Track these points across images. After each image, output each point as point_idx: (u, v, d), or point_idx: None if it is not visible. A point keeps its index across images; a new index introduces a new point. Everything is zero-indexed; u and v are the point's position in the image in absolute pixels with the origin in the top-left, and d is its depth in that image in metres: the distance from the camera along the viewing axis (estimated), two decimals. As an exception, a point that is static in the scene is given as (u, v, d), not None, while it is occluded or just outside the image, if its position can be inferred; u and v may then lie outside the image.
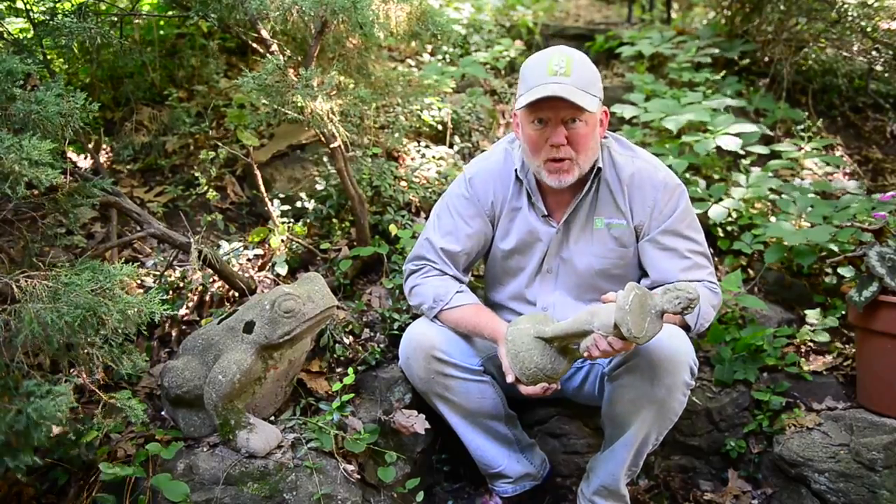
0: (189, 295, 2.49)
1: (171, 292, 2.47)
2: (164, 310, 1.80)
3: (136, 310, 1.72)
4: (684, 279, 1.95)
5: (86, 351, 1.70)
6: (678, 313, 1.62)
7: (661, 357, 1.83)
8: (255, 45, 2.58)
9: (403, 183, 3.01)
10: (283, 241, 2.65)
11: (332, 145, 2.45)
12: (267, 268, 2.65)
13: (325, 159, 2.97)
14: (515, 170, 2.06)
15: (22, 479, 1.82)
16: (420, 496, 2.10)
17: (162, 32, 3.44)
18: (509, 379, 1.88)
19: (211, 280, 2.49)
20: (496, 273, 2.19)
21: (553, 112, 1.86)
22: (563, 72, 1.84)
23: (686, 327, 1.93)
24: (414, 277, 2.14)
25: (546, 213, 2.06)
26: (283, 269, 2.59)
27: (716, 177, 3.23)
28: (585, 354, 1.75)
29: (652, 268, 2.02)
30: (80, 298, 1.61)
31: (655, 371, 1.83)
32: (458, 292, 2.06)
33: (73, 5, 2.44)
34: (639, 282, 2.07)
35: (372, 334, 2.46)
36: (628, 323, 1.59)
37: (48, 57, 2.42)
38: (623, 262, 2.05)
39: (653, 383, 1.84)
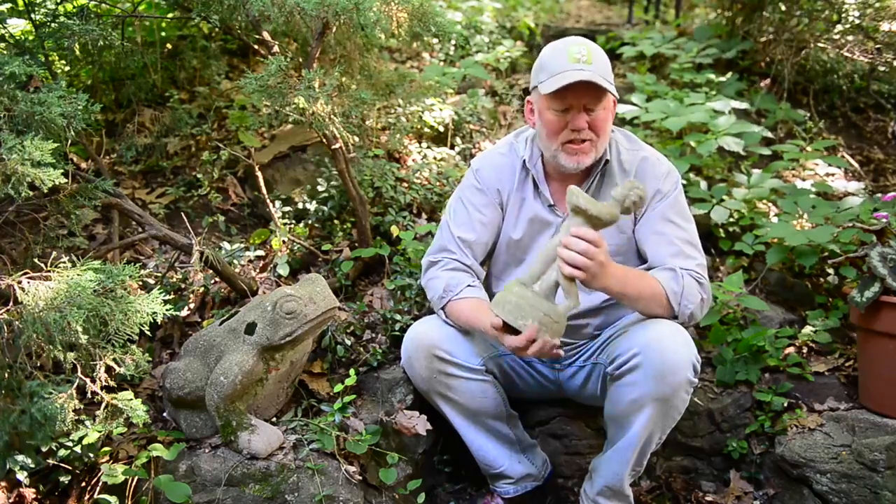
0: (190, 296, 2.50)
1: (172, 294, 2.47)
2: (167, 310, 1.81)
3: (138, 311, 1.72)
4: (675, 266, 1.94)
5: (88, 352, 1.71)
6: (627, 198, 1.67)
7: (664, 355, 1.83)
8: (256, 46, 2.58)
9: (405, 184, 3.01)
10: (284, 242, 2.65)
11: (333, 147, 2.45)
12: (268, 269, 2.65)
13: (326, 161, 2.98)
14: (524, 160, 2.09)
15: (24, 481, 1.82)
16: (422, 497, 2.10)
17: (163, 34, 3.44)
18: (494, 322, 1.79)
19: (212, 281, 2.49)
20: (500, 265, 2.19)
21: (576, 99, 1.90)
22: (585, 59, 1.89)
23: (674, 317, 1.93)
24: (432, 270, 2.14)
25: (552, 203, 2.07)
26: (284, 271, 2.59)
27: (717, 177, 3.23)
28: (560, 266, 1.70)
29: (645, 252, 2.04)
30: (82, 299, 1.61)
31: (659, 370, 1.83)
32: (468, 285, 2.07)
33: (74, 7, 2.44)
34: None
35: (373, 335, 2.46)
36: (578, 197, 1.66)
37: (50, 59, 2.42)
38: (623, 250, 2.06)
39: (656, 382, 1.84)
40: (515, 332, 1.75)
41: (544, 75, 1.93)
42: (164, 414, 2.15)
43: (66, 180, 1.89)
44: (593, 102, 1.91)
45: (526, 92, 3.80)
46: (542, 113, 1.98)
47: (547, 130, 1.98)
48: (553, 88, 1.88)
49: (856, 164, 3.53)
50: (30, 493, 1.84)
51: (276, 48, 2.40)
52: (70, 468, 1.88)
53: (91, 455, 1.89)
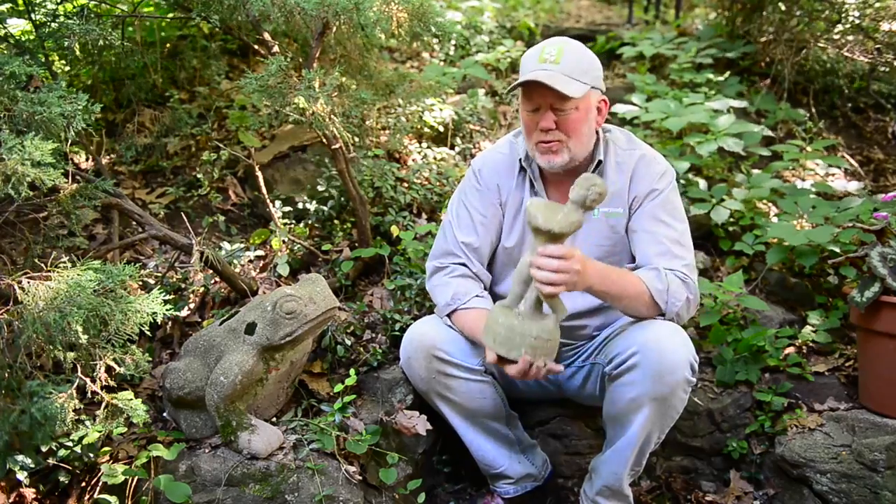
0: (191, 296, 2.50)
1: (172, 294, 2.47)
2: (167, 310, 1.81)
3: (138, 311, 1.72)
4: (659, 266, 1.94)
5: (88, 352, 1.71)
6: (587, 198, 1.63)
7: (661, 355, 1.83)
8: (256, 46, 2.58)
9: (405, 184, 3.01)
10: (284, 242, 2.65)
11: (333, 147, 2.45)
12: (268, 269, 2.65)
13: (326, 161, 2.98)
14: (520, 159, 2.10)
15: (24, 481, 1.82)
16: (421, 497, 2.10)
17: (163, 34, 3.44)
18: (490, 357, 1.81)
19: (212, 281, 2.49)
20: (498, 267, 2.20)
21: (542, 98, 1.92)
22: (553, 59, 1.90)
23: (661, 315, 1.93)
24: (438, 276, 2.14)
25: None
26: (284, 271, 2.59)
27: (717, 177, 3.23)
28: (539, 287, 1.69)
29: (634, 251, 2.04)
30: (82, 299, 1.61)
31: (656, 369, 1.83)
32: (476, 295, 2.07)
33: (74, 7, 2.44)
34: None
35: (373, 335, 2.46)
36: (535, 215, 1.64)
37: (50, 59, 2.42)
38: (617, 249, 2.07)
39: (654, 381, 1.84)
40: (512, 361, 1.78)
41: (519, 76, 1.97)
42: (164, 414, 2.15)
43: (66, 180, 1.89)
44: (560, 103, 1.90)
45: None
46: (521, 113, 2.03)
47: (524, 131, 2.02)
48: (512, 87, 1.95)
49: (856, 164, 3.53)
50: (30, 493, 1.85)
51: (276, 48, 2.40)
52: (70, 468, 1.88)
53: (91, 455, 1.89)
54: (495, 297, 2.19)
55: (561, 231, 1.64)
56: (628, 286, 1.88)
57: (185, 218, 2.62)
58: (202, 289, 2.50)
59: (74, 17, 2.32)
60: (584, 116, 1.95)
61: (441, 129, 3.36)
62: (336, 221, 2.87)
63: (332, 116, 2.24)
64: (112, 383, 1.76)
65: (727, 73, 3.82)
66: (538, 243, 1.68)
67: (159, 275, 2.49)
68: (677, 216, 2.03)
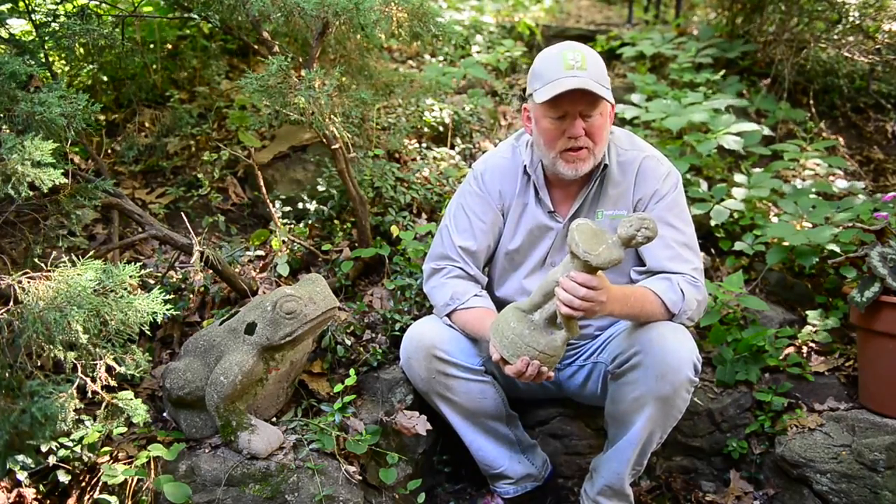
0: (191, 296, 2.50)
1: (172, 293, 2.47)
2: (167, 310, 1.81)
3: (138, 311, 1.72)
4: (669, 269, 1.95)
5: (88, 351, 1.71)
6: (634, 239, 1.62)
7: (664, 354, 1.83)
8: (256, 46, 2.58)
9: (405, 184, 3.01)
10: (284, 242, 2.65)
11: (333, 146, 2.45)
12: (268, 269, 2.65)
13: (326, 161, 2.98)
14: (524, 166, 2.08)
15: (24, 481, 1.82)
16: (421, 497, 2.10)
17: (163, 34, 3.44)
18: (494, 357, 1.83)
19: (212, 281, 2.49)
20: (498, 271, 2.20)
21: (571, 106, 1.90)
22: (580, 66, 1.89)
23: (671, 316, 1.93)
24: (435, 278, 2.15)
25: (552, 209, 2.07)
26: (284, 271, 2.59)
27: (717, 177, 3.23)
28: (558, 306, 1.70)
29: (643, 255, 2.03)
30: (82, 299, 1.61)
31: (659, 368, 1.83)
32: (475, 295, 2.08)
33: (75, 7, 2.44)
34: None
35: (373, 335, 2.46)
36: (577, 242, 1.62)
37: (50, 59, 2.42)
38: None
39: (657, 381, 1.84)
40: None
41: (539, 83, 1.92)
42: (164, 414, 2.15)
43: (66, 180, 1.89)
44: (589, 109, 1.90)
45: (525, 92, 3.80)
46: (538, 121, 1.97)
47: (544, 139, 1.97)
48: (548, 97, 1.87)
49: (856, 165, 3.53)
50: (30, 493, 1.84)
51: (276, 48, 2.40)
52: (70, 468, 1.88)
53: (91, 455, 1.89)
54: (495, 301, 2.19)
55: (598, 266, 1.65)
56: (646, 305, 1.89)
57: (185, 218, 2.62)
58: (202, 289, 2.50)
59: (74, 17, 2.32)
60: (605, 122, 1.96)
61: (441, 129, 3.36)
62: (336, 221, 2.87)
63: (332, 116, 2.24)
64: (112, 383, 1.76)
65: (724, 72, 3.82)
66: (572, 266, 1.68)
67: (159, 275, 2.49)
68: (685, 219, 2.04)
